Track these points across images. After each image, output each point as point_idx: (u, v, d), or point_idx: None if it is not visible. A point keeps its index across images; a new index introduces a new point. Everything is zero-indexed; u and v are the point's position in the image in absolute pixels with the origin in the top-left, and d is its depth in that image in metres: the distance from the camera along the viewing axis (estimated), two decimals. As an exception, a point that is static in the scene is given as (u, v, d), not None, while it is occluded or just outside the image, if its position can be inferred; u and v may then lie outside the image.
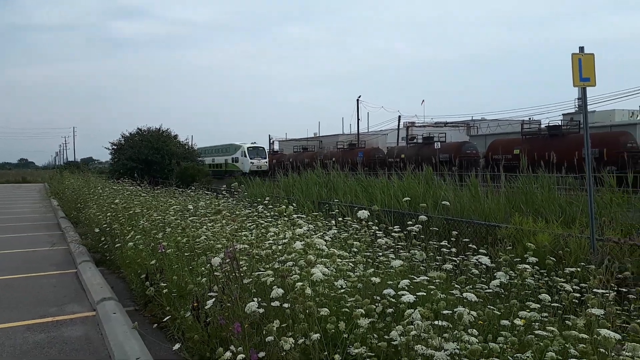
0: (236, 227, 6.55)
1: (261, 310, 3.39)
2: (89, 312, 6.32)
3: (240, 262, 4.35)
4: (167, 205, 8.96)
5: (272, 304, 3.36)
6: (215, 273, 4.19)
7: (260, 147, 52.07)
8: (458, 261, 5.06)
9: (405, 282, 3.28)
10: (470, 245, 5.52)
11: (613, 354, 2.62)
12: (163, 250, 5.69)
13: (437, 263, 5.03)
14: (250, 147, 50.00)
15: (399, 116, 53.75)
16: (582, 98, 6.58)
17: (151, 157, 31.51)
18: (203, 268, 4.81)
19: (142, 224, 7.65)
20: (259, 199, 10.19)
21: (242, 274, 4.01)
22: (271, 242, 4.75)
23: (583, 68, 6.44)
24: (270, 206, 8.31)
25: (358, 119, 54.50)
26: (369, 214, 5.17)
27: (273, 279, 3.80)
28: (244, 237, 5.46)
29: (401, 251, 5.33)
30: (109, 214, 9.87)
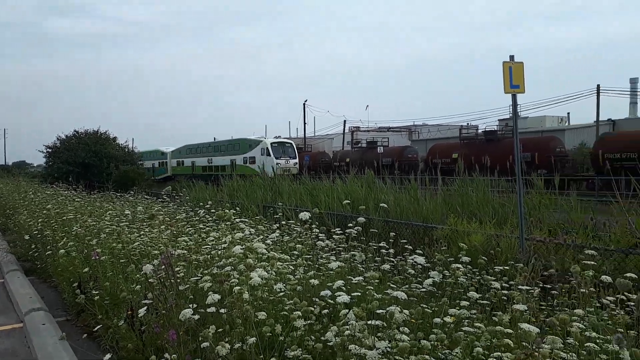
0: (175, 232, 6.43)
1: (197, 317, 3.33)
2: (17, 324, 5.98)
3: (178, 268, 4.27)
4: (102, 211, 8.64)
5: (209, 309, 3.32)
6: (150, 280, 4.08)
7: (288, 142, 40.18)
8: (396, 261, 5.20)
9: (340, 282, 3.33)
10: (407, 246, 5.67)
11: (534, 346, 2.77)
12: (97, 257, 5.48)
13: (376, 264, 5.14)
14: (274, 143, 38.35)
15: (344, 121, 54.41)
16: (512, 104, 6.90)
17: (88, 161, 30.34)
18: (138, 275, 4.68)
19: (76, 230, 7.34)
20: (202, 203, 10.02)
21: (178, 281, 3.93)
22: (209, 247, 4.69)
23: (513, 76, 6.73)
24: (213, 210, 8.20)
25: (305, 123, 54.64)
26: (309, 215, 5.22)
27: (211, 284, 3.75)
28: (184, 243, 5.38)
29: (342, 253, 5.41)
30: (40, 220, 9.44)
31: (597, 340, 2.97)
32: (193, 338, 3.51)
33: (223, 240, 4.77)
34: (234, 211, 7.82)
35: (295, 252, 5.35)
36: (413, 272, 4.70)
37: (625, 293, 3.65)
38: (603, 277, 3.58)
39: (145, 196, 14.33)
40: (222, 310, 3.37)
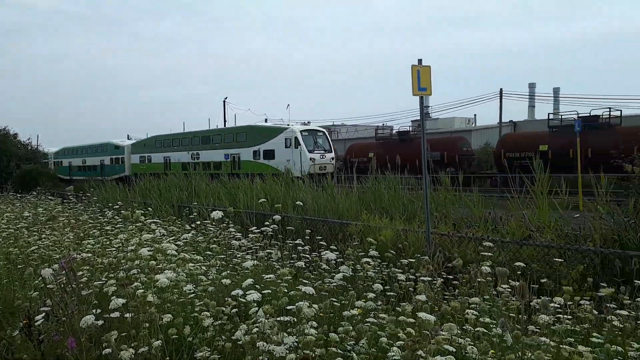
0: (81, 234, 6.10)
1: (100, 323, 3.20)
2: None
3: (81, 273, 4.06)
4: (-2, 213, 7.99)
5: (113, 314, 3.20)
6: (50, 286, 3.85)
7: (321, 130, 29.32)
8: (311, 258, 5.29)
9: (249, 281, 3.34)
10: (322, 242, 5.79)
11: (433, 333, 2.96)
12: (-10, 263, 5.07)
13: (292, 261, 5.20)
14: (304, 131, 27.58)
15: (266, 119, 54.14)
16: (420, 106, 7.24)
17: (-16, 159, 27.89)
18: (37, 281, 4.39)
19: (-34, 235, 6.73)
20: (111, 204, 9.57)
21: (81, 285, 3.74)
22: (115, 249, 4.51)
23: (421, 79, 7.02)
24: (122, 211, 7.87)
25: (225, 121, 53.60)
26: (222, 214, 5.17)
27: (115, 288, 3.61)
28: (89, 246, 5.12)
29: (260, 251, 5.42)
30: None
31: (491, 325, 3.23)
32: (97, 345, 3.36)
33: (131, 242, 4.60)
34: (146, 211, 7.55)
35: (209, 252, 5.27)
36: (327, 267, 4.81)
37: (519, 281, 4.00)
38: (483, 267, 3.88)
39: (50, 197, 13.43)
40: (127, 315, 3.26)
